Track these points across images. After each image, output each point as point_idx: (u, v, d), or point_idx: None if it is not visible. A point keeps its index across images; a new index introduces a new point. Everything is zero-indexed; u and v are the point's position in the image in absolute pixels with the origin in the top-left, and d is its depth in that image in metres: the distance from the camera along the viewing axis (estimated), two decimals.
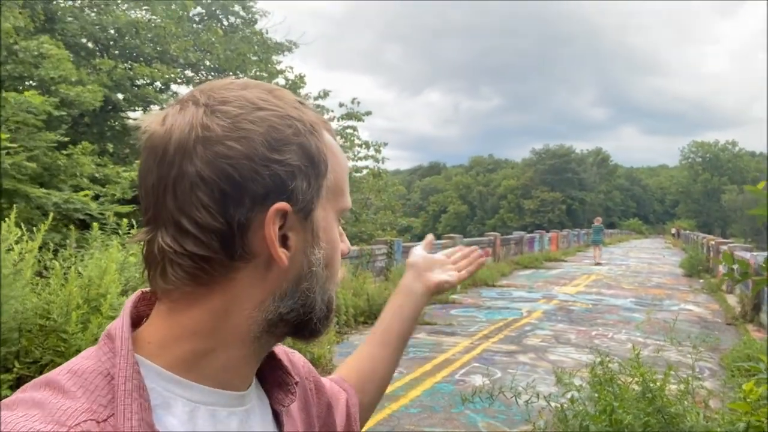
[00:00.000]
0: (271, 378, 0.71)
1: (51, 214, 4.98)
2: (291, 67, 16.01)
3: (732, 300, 12.16)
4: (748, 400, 1.86)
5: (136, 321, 0.62)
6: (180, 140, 0.55)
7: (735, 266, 1.85)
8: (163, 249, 0.56)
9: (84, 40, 12.35)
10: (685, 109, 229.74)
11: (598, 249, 23.52)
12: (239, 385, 0.63)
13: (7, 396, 3.17)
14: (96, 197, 7.96)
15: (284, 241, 0.59)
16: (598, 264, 22.13)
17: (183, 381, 0.58)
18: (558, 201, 68.48)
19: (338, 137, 0.71)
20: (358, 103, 15.85)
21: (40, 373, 4.03)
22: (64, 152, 8.21)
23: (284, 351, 0.77)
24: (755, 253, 12.97)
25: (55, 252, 5.12)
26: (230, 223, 0.55)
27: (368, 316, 9.38)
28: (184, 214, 0.55)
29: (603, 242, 24.39)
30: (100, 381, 0.54)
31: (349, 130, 15.90)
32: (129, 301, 0.63)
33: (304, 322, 0.64)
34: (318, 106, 15.62)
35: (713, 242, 19.71)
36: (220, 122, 0.56)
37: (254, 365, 0.65)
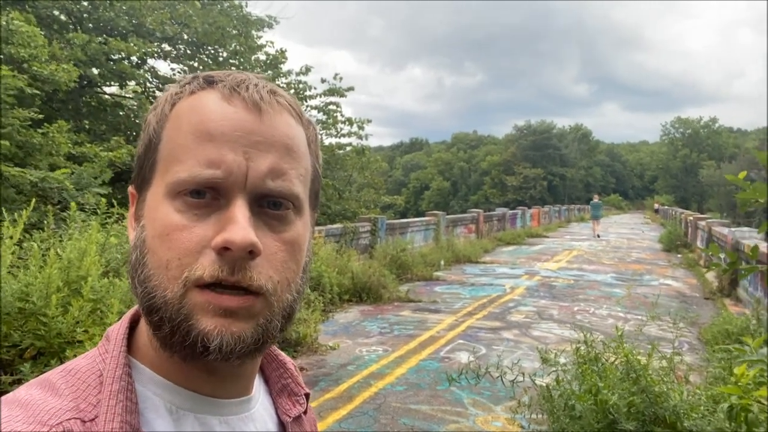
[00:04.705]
0: (278, 387, 0.69)
1: (33, 199, 4.85)
2: (272, 42, 15.67)
3: (710, 275, 12.40)
4: (739, 384, 1.88)
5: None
6: None
7: (722, 255, 1.86)
8: None
9: (56, 13, 11.93)
10: (666, 86, 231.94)
11: (597, 223, 25.47)
12: (233, 392, 0.60)
13: None
14: (72, 177, 7.76)
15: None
16: (598, 236, 24.08)
17: (171, 386, 0.56)
18: (539, 177, 68.82)
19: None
20: (341, 78, 15.57)
21: (20, 357, 3.97)
22: (40, 130, 7.98)
23: (293, 365, 0.75)
24: (733, 229, 13.22)
25: (26, 231, 4.97)
26: None
27: (353, 294, 9.38)
28: None
29: (601, 216, 26.43)
30: (93, 380, 0.54)
31: (331, 107, 15.67)
32: None
33: (154, 329, 0.54)
34: (300, 82, 15.37)
35: (691, 218, 20.01)
36: None
37: (238, 373, 0.59)
